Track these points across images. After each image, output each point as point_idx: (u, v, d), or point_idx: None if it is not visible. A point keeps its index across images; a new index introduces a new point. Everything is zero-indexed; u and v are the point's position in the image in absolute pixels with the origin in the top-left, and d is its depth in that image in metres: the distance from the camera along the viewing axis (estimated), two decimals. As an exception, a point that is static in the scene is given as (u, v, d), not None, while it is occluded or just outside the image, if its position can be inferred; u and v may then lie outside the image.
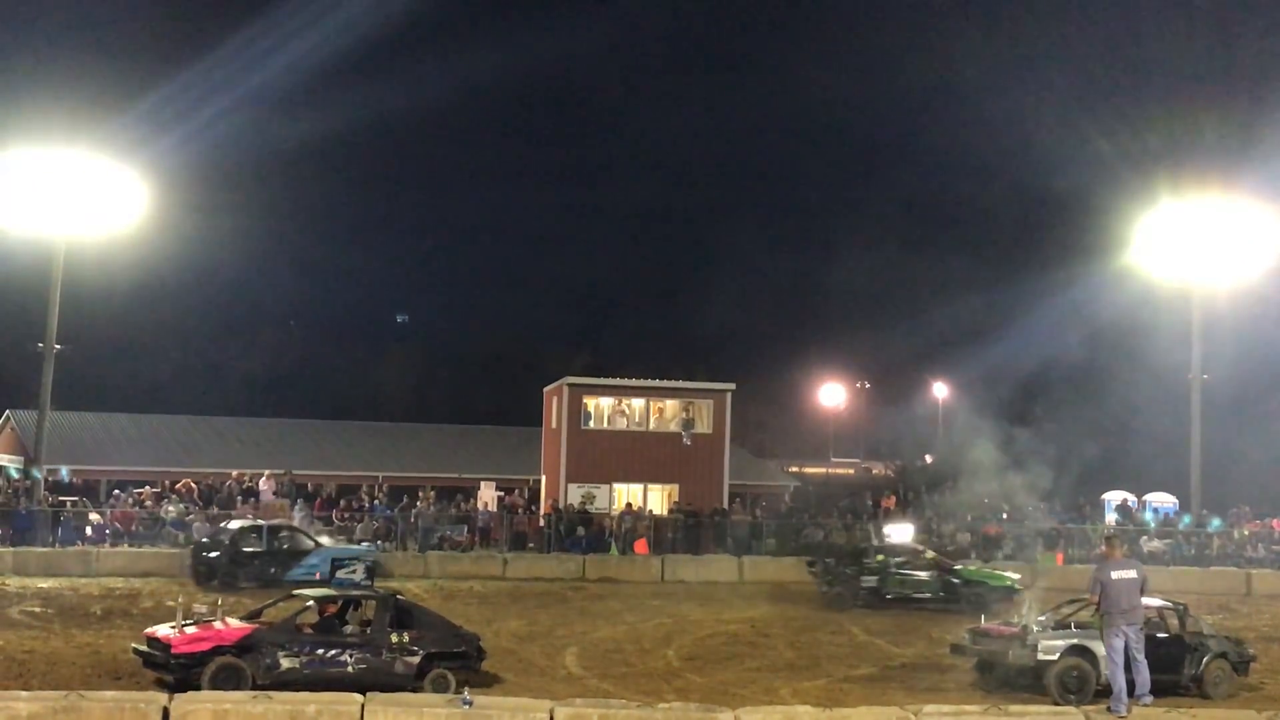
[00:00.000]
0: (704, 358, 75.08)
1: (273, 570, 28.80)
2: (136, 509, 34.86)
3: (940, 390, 73.21)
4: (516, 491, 42.75)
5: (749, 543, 36.25)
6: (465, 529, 36.36)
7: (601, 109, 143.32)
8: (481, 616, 24.24)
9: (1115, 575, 15.87)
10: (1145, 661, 15.91)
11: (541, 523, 37.38)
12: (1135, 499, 45.50)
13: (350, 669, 16.71)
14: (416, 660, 17.00)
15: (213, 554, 29.21)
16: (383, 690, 14.88)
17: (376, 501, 37.96)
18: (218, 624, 17.04)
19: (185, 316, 79.77)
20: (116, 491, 37.09)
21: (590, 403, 41.60)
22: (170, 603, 25.33)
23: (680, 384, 44.21)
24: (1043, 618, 18.76)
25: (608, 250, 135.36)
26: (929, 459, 64.52)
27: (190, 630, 16.72)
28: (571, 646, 21.56)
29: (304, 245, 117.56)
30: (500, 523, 36.85)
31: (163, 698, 13.12)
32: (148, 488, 37.16)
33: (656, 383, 43.65)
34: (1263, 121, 47.32)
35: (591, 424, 41.34)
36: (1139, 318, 39.19)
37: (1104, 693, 16.82)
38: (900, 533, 30.51)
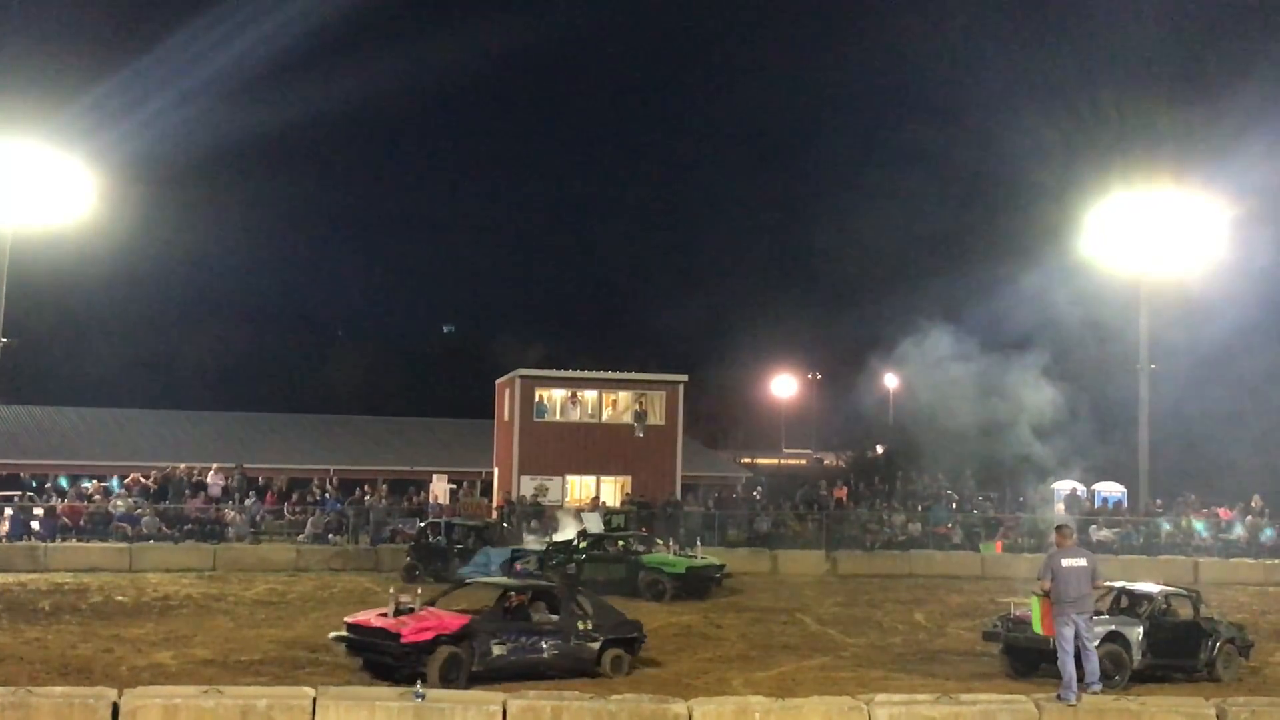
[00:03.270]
0: (656, 350, 75.08)
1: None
2: (84, 503, 34.50)
3: (892, 381, 73.49)
4: (468, 484, 42.59)
5: (701, 534, 36.24)
6: (417, 522, 36.17)
7: (553, 104, 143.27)
8: (434, 609, 24.16)
9: (1066, 564, 15.91)
10: (1095, 650, 16.01)
11: (494, 515, 37.26)
12: (1084, 488, 45.81)
13: (546, 655, 17.61)
14: (597, 645, 18.04)
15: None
16: (571, 674, 16.31)
17: (327, 495, 37.72)
18: (424, 613, 17.27)
19: (133, 309, 79.14)
20: (64, 484, 36.69)
21: (543, 395, 41.52)
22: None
23: (633, 376, 43.92)
24: None
25: (561, 242, 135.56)
26: (880, 450, 64.92)
27: (408, 620, 16.87)
28: (525, 638, 21.49)
29: (253, 237, 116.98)
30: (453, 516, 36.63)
31: (112, 693, 12.96)
32: (96, 482, 36.73)
33: (609, 374, 43.51)
34: (1216, 113, 47.74)
35: (544, 416, 41.27)
36: (1088, 307, 39.43)
37: (1136, 676, 17.73)
38: (595, 523, 31.35)
